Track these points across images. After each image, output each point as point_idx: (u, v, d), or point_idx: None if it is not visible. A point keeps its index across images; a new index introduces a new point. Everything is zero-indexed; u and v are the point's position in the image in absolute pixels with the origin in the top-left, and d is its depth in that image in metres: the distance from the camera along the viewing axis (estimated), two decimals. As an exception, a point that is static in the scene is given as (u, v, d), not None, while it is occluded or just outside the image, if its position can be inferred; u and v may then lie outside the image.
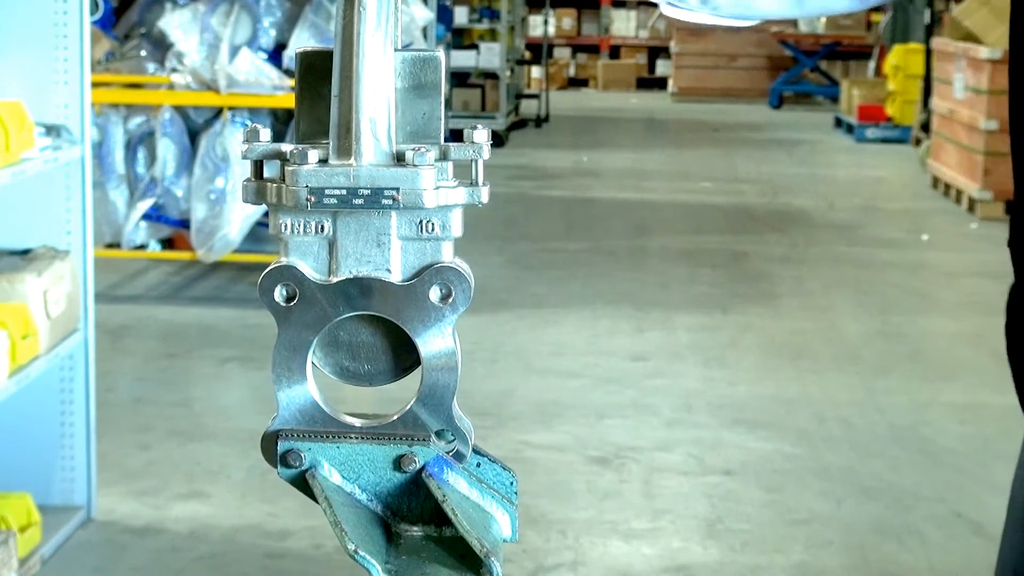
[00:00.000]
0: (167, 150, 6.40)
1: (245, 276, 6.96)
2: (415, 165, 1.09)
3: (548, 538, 3.96)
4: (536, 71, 17.41)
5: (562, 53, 19.71)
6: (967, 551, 3.98)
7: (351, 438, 1.15)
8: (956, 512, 4.24)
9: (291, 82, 6.00)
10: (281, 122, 6.55)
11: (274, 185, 1.12)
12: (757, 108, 17.25)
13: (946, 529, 4.12)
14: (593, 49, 20.02)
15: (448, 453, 1.16)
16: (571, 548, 3.91)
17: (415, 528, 1.17)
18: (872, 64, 16.53)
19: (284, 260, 1.13)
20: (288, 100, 6.15)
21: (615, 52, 19.98)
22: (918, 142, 12.46)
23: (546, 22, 16.21)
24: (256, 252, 6.51)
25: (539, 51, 16.23)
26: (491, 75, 13.04)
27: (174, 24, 6.34)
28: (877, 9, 17.57)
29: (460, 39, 13.29)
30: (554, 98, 16.22)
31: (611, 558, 3.87)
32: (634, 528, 4.07)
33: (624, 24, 20.00)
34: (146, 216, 6.46)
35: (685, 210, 9.75)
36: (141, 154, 6.47)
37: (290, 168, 1.10)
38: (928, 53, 12.33)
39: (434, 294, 1.13)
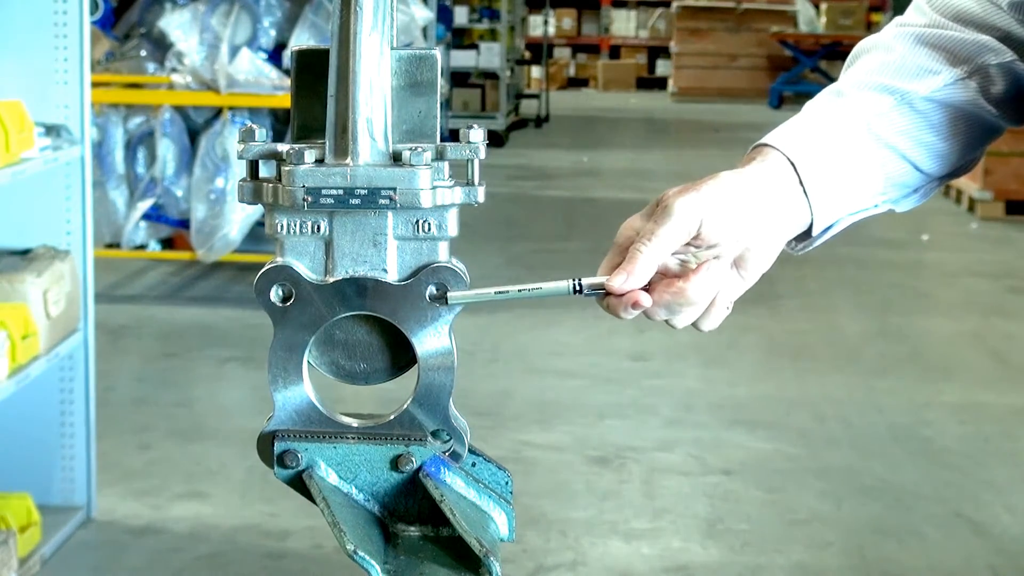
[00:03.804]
0: (167, 150, 6.40)
1: (245, 276, 6.95)
2: (412, 165, 1.09)
3: (548, 538, 3.95)
4: (536, 71, 17.40)
5: (562, 53, 19.69)
6: (967, 551, 3.98)
7: (348, 438, 1.15)
8: (956, 512, 4.23)
9: (291, 82, 5.99)
10: (282, 122, 6.54)
11: (270, 185, 1.12)
12: (757, 108, 17.23)
13: (946, 529, 4.11)
14: (593, 49, 20.01)
15: (444, 453, 1.16)
16: (571, 548, 3.91)
17: (412, 528, 1.17)
18: (872, 64, 16.50)
19: (280, 260, 1.13)
20: (288, 100, 6.14)
21: (615, 52, 19.96)
22: (918, 142, 12.45)
23: (546, 22, 16.19)
24: (256, 252, 6.51)
25: (539, 51, 16.21)
26: (491, 75, 13.04)
27: (174, 24, 6.34)
28: (878, 8, 17.57)
29: (460, 39, 13.28)
30: (554, 98, 16.21)
31: (611, 558, 3.87)
32: (634, 528, 4.06)
33: (624, 24, 19.98)
34: (146, 216, 6.46)
35: (685, 210, 9.72)
36: (141, 154, 6.47)
37: (286, 168, 1.10)
38: (928, 53, 12.31)
39: (430, 294, 1.13)
